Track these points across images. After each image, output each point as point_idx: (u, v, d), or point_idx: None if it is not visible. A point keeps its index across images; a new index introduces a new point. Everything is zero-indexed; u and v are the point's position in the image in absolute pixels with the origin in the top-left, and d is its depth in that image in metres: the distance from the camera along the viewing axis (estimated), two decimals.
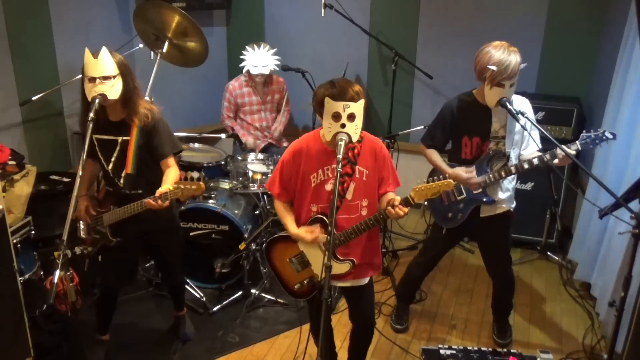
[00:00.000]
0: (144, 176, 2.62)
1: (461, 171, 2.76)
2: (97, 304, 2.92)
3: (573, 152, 2.56)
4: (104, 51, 2.42)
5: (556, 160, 2.60)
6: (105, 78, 2.42)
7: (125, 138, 2.56)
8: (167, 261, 3.00)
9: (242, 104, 4.09)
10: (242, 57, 3.94)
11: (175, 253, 2.98)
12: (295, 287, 2.47)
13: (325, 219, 2.30)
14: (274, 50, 3.96)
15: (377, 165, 2.32)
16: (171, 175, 2.61)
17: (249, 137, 4.09)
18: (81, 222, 2.75)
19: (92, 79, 2.42)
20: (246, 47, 3.95)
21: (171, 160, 2.65)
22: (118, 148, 2.58)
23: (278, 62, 3.99)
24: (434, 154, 2.87)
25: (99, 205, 2.73)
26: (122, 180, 2.60)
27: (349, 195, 2.30)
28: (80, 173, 2.34)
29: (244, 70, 3.96)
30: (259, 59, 3.89)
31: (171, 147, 2.65)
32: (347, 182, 2.28)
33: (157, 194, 2.43)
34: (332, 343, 2.82)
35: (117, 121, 2.57)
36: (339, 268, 2.32)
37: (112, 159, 2.60)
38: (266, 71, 3.91)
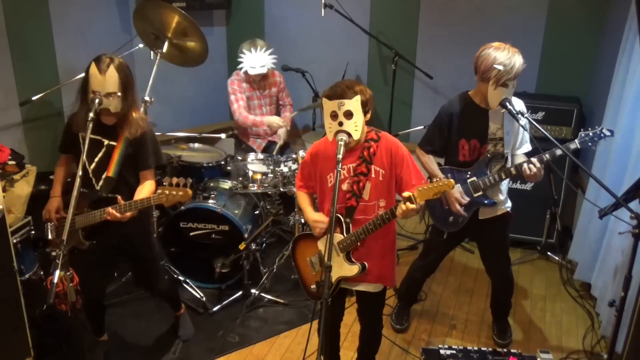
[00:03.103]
0: (125, 181, 2.63)
1: (455, 190, 2.73)
2: (84, 310, 2.85)
3: (571, 149, 2.58)
4: (111, 69, 2.45)
5: (531, 168, 2.59)
6: (109, 94, 2.47)
7: (112, 143, 2.58)
8: (147, 268, 2.92)
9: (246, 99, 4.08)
10: (239, 59, 3.93)
11: (152, 259, 2.93)
12: (312, 287, 2.46)
13: (341, 218, 2.30)
14: (271, 50, 3.95)
15: (393, 165, 2.30)
16: (146, 188, 2.62)
17: (270, 120, 4.00)
18: (49, 223, 2.69)
19: (97, 92, 2.47)
20: (243, 49, 3.91)
21: (150, 174, 2.66)
22: (104, 150, 2.59)
23: (275, 61, 3.98)
24: (432, 162, 2.85)
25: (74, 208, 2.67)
26: (101, 183, 2.59)
27: (365, 196, 2.30)
28: (80, 173, 2.34)
29: (242, 72, 3.95)
30: (256, 60, 3.87)
31: (154, 160, 2.68)
32: (362, 181, 2.28)
33: (120, 204, 2.44)
34: (337, 345, 2.77)
35: (109, 125, 2.59)
36: (349, 270, 2.31)
37: (96, 160, 2.59)
38: (264, 70, 3.90)
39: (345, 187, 2.29)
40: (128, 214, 2.47)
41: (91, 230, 2.59)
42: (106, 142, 2.58)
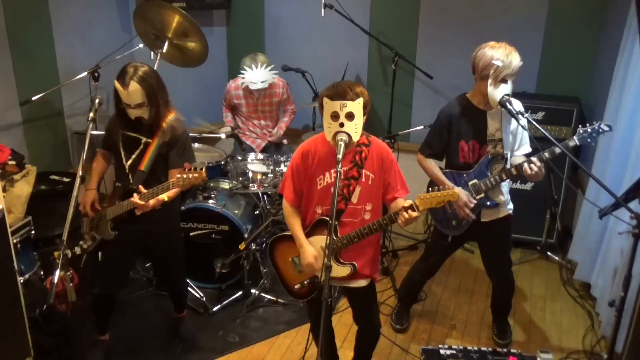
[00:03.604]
0: (156, 178, 2.69)
1: (463, 194, 2.72)
2: (93, 306, 2.93)
3: (570, 146, 2.59)
4: (133, 83, 2.51)
5: (532, 167, 2.59)
6: (138, 105, 2.56)
7: (149, 140, 2.68)
8: (169, 268, 3.01)
9: (238, 105, 4.08)
10: (240, 75, 3.92)
11: (176, 260, 2.99)
12: (296, 287, 2.47)
13: (329, 220, 2.30)
14: (272, 65, 3.94)
15: (383, 170, 2.32)
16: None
17: (247, 139, 4.13)
18: (85, 218, 2.80)
19: (127, 105, 2.57)
20: (244, 65, 3.90)
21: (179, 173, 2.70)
22: (141, 147, 2.69)
23: (276, 75, 3.98)
24: (434, 167, 2.85)
25: (107, 201, 2.78)
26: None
27: (354, 199, 2.30)
28: (80, 173, 2.36)
29: (243, 86, 3.95)
30: (257, 77, 3.87)
31: (184, 161, 2.70)
32: (352, 185, 2.28)
33: (142, 192, 2.53)
34: (333, 344, 2.81)
35: (146, 124, 2.68)
36: (340, 271, 2.32)
37: (133, 156, 2.70)
38: (265, 85, 3.89)
39: None
40: (151, 202, 2.54)
41: (120, 222, 2.69)
42: (143, 139, 2.69)
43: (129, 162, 2.70)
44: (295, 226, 2.38)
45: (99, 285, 2.88)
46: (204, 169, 2.43)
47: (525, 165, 2.60)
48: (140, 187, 2.56)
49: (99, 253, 2.82)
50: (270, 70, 3.91)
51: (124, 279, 3.01)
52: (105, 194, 2.86)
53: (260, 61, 3.89)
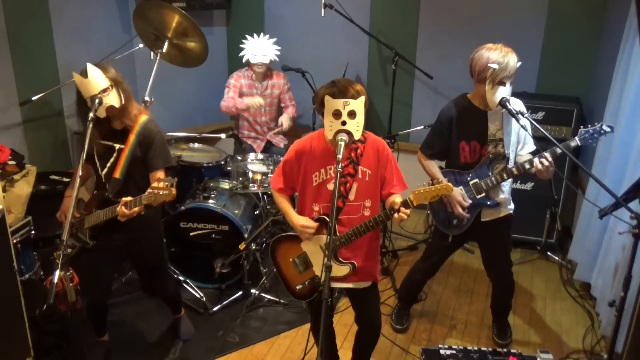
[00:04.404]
0: (134, 183, 2.65)
1: (457, 192, 2.73)
2: (87, 311, 2.88)
3: (571, 146, 2.58)
4: (90, 67, 2.46)
5: (542, 162, 2.58)
6: (104, 91, 2.48)
7: (121, 146, 2.62)
8: (154, 274, 2.94)
9: (241, 95, 4.08)
10: (242, 46, 3.94)
11: (159, 264, 2.96)
12: (297, 288, 2.47)
13: (327, 219, 2.30)
14: (274, 39, 3.95)
15: (379, 165, 2.32)
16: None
17: (252, 100, 3.96)
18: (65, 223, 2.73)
19: (94, 97, 2.47)
20: (246, 35, 3.95)
21: (160, 174, 2.68)
22: (115, 155, 2.63)
23: (278, 52, 3.98)
24: (433, 166, 2.86)
25: (85, 209, 2.73)
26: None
27: (351, 196, 2.30)
28: (80, 173, 2.35)
29: (244, 60, 3.95)
30: (259, 48, 3.87)
31: (163, 161, 2.69)
32: (349, 182, 2.29)
33: (122, 201, 2.42)
34: (334, 344, 2.81)
35: (118, 130, 2.63)
36: (339, 270, 2.32)
37: (108, 165, 2.65)
38: (266, 60, 3.89)
39: (331, 187, 2.29)
40: (135, 209, 2.42)
41: (98, 231, 2.64)
42: (117, 146, 2.63)
43: (104, 171, 2.65)
44: (289, 210, 2.41)
45: (88, 295, 2.78)
46: (174, 185, 2.34)
47: (536, 160, 2.58)
48: (124, 198, 2.44)
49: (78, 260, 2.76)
50: (273, 43, 3.91)
51: (109, 284, 2.91)
52: (84, 201, 2.80)
53: (262, 34, 3.94)
